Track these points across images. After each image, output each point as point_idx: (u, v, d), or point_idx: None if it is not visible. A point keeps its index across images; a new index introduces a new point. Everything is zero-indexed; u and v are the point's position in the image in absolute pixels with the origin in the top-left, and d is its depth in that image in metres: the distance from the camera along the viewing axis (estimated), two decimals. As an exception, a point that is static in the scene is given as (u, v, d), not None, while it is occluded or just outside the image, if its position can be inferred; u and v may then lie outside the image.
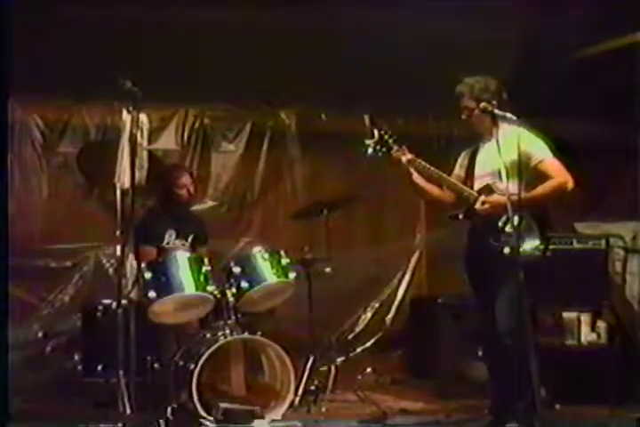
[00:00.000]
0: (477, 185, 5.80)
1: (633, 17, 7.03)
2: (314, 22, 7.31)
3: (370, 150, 5.71)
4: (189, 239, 6.94)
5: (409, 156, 5.73)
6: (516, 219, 5.25)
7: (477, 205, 5.67)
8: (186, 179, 7.01)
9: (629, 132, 7.75)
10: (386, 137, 5.70)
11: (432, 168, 5.76)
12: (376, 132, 5.71)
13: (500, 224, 5.56)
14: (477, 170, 5.85)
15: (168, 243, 6.85)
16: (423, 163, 5.75)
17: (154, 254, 6.73)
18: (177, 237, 6.91)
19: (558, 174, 5.59)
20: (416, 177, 5.80)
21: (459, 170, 6.03)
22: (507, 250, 5.43)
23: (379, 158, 5.76)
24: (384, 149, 5.70)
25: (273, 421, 5.94)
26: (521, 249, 5.24)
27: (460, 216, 5.76)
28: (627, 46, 7.59)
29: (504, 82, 5.79)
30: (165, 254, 6.50)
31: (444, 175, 5.83)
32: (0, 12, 4.95)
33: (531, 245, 5.53)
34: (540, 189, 5.56)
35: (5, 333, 5.37)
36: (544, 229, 5.63)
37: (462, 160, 6.04)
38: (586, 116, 8.64)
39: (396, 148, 5.70)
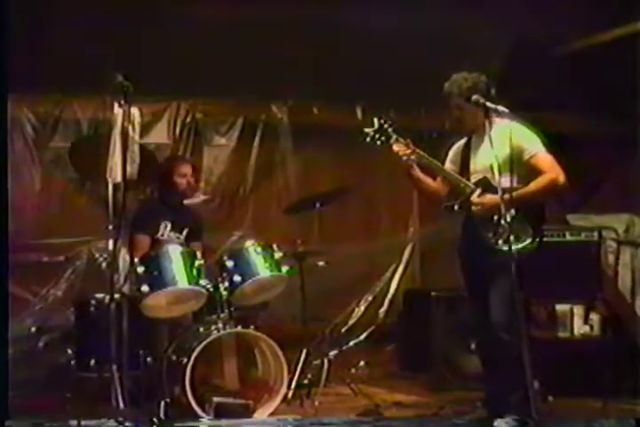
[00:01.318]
0: (473, 179, 5.77)
1: (628, 9, 7.04)
2: (306, 16, 7.30)
3: (368, 139, 5.69)
4: (184, 233, 6.93)
5: (409, 145, 5.71)
6: (509, 213, 5.23)
7: (473, 197, 5.66)
8: (186, 168, 7.00)
9: (623, 125, 7.76)
10: (385, 126, 5.66)
11: (430, 159, 5.74)
12: (376, 121, 5.68)
13: (494, 217, 5.54)
14: (472, 165, 5.82)
15: (162, 234, 6.85)
16: (421, 153, 5.72)
17: (147, 244, 6.72)
18: (172, 230, 6.90)
19: (550, 170, 5.56)
20: (414, 167, 5.79)
21: (451, 165, 5.99)
22: (500, 243, 5.42)
23: (373, 151, 5.76)
24: (383, 138, 5.67)
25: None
26: (514, 242, 5.22)
27: (456, 207, 5.75)
28: (619, 38, 7.61)
29: (493, 76, 5.76)
30: (158, 248, 6.49)
31: (442, 166, 5.83)
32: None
33: (524, 238, 5.52)
34: (532, 186, 5.53)
35: (5, 329, 5.37)
36: (538, 223, 5.63)
37: (454, 155, 6.01)
38: (578, 109, 8.65)
39: (394, 137, 5.68)
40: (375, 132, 5.67)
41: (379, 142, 5.68)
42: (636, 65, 6.69)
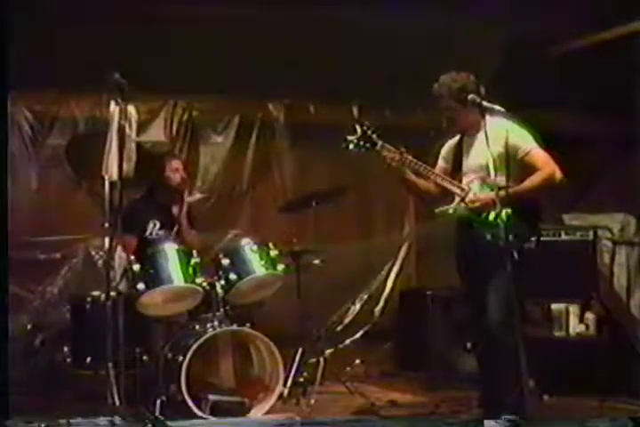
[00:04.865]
0: (465, 179, 5.77)
1: (627, 7, 7.05)
2: (304, 15, 7.30)
3: (352, 146, 5.63)
4: (175, 229, 6.91)
5: (396, 152, 5.68)
6: (504, 212, 5.23)
7: (467, 200, 5.66)
8: (177, 163, 7.04)
9: (619, 124, 7.77)
10: (369, 132, 5.59)
11: (420, 163, 5.71)
12: (358, 128, 5.62)
13: (489, 217, 5.54)
14: (465, 164, 5.81)
15: (151, 233, 6.83)
16: (410, 157, 5.68)
17: (134, 244, 6.71)
18: (161, 227, 6.87)
19: (545, 166, 5.57)
20: (407, 172, 5.77)
21: (444, 163, 5.97)
22: (496, 243, 5.41)
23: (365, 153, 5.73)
24: (367, 145, 5.61)
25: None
26: (510, 241, 5.20)
27: (450, 211, 5.73)
28: (618, 37, 7.62)
29: (484, 75, 5.74)
30: (154, 246, 6.48)
31: (432, 170, 5.79)
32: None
33: (520, 237, 5.51)
34: (528, 182, 5.53)
35: (5, 327, 5.36)
36: (534, 222, 5.64)
37: (447, 153, 5.99)
38: (575, 108, 8.66)
39: (380, 143, 5.63)
40: (358, 139, 5.60)
41: (363, 149, 5.62)
42: (633, 64, 6.70)
